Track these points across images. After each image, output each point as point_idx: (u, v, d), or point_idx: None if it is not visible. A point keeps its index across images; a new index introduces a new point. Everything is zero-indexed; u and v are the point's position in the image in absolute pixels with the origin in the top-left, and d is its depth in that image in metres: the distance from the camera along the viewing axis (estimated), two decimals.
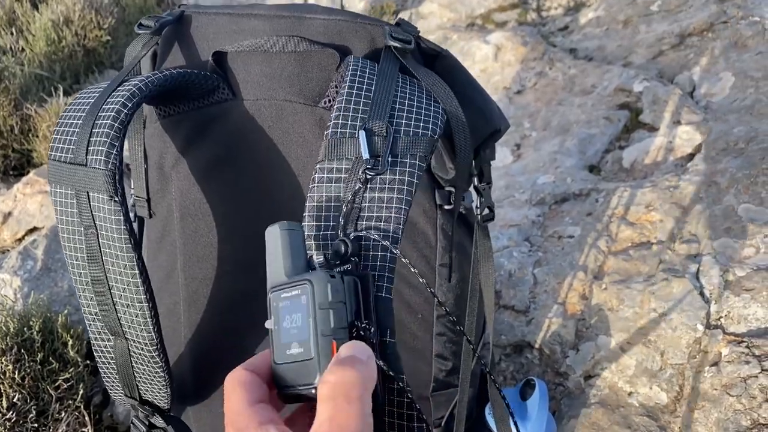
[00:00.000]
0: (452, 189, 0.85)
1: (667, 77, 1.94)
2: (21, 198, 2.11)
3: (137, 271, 0.69)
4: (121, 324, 0.72)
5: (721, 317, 1.23)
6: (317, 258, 0.55)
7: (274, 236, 0.54)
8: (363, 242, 0.60)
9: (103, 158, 0.68)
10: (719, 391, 1.14)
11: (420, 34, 0.79)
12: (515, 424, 0.65)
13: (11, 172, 2.34)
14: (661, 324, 1.27)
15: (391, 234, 0.61)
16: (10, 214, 2.10)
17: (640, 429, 1.17)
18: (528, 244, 1.56)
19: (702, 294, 1.28)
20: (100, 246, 0.70)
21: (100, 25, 2.77)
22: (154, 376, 0.75)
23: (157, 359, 0.73)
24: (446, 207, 0.86)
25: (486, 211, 0.91)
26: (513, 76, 2.21)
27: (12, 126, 2.26)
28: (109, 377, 0.80)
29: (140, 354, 0.74)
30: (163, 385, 0.76)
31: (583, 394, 1.26)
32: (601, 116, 1.86)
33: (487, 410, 1.10)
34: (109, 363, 0.78)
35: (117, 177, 0.68)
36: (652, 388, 1.21)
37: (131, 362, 0.75)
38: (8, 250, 2.02)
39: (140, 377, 0.77)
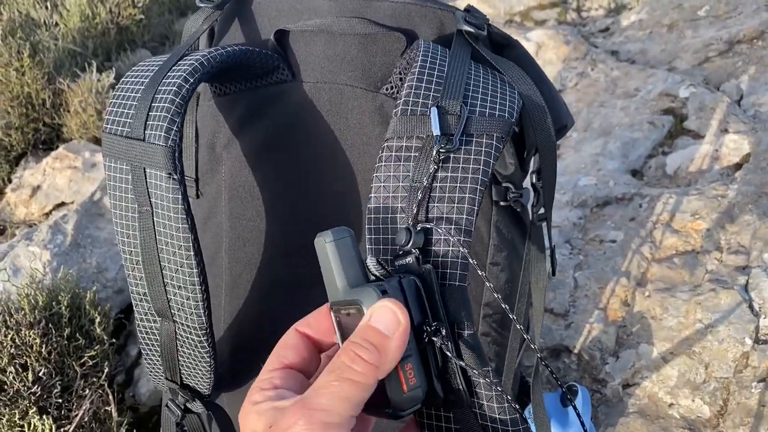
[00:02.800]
0: (509, 185, 0.82)
1: (714, 84, 1.89)
2: (50, 172, 2.10)
3: (192, 253, 0.66)
4: (170, 306, 0.70)
5: None
6: (371, 263, 0.52)
7: (322, 250, 0.50)
8: (432, 230, 0.57)
9: (163, 134, 0.65)
10: (767, 408, 1.11)
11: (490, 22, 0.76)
12: (580, 417, 0.62)
13: (41, 146, 2.32)
14: (706, 335, 1.23)
15: (465, 216, 0.57)
16: (38, 187, 2.09)
17: None
18: (569, 246, 1.52)
19: (751, 307, 1.24)
20: (154, 225, 0.67)
21: (135, 3, 2.75)
22: (200, 362, 0.73)
23: (205, 345, 0.71)
24: (502, 203, 0.82)
25: (542, 210, 0.88)
26: (554, 75, 2.17)
27: (44, 100, 2.24)
28: (151, 359, 0.78)
29: (188, 338, 0.71)
30: (207, 371, 0.74)
31: (621, 402, 1.23)
32: (645, 120, 1.82)
33: (527, 413, 1.07)
34: (153, 345, 0.75)
35: (177, 154, 0.65)
36: (694, 400, 1.17)
37: (177, 346, 0.73)
38: (35, 224, 2.01)
39: (184, 361, 0.74)
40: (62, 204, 2.04)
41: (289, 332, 0.50)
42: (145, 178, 0.67)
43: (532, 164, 0.87)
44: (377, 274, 0.51)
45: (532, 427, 1.02)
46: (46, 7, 2.76)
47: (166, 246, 0.67)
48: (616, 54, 2.22)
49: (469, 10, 0.77)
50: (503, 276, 0.88)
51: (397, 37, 0.75)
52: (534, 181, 0.88)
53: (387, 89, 0.76)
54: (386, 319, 0.45)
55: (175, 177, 0.65)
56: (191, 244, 0.66)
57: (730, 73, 1.90)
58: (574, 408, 0.52)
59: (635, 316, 1.32)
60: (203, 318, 0.69)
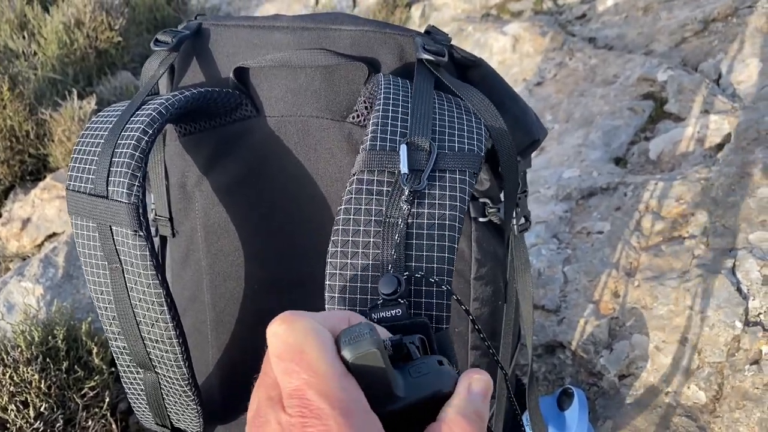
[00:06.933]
0: (487, 200, 0.82)
1: (691, 65, 1.89)
2: (39, 203, 2.10)
3: (165, 308, 0.66)
4: (150, 359, 0.70)
5: (760, 314, 1.20)
6: (387, 344, 0.44)
7: (368, 360, 0.41)
8: (414, 279, 0.55)
9: (125, 190, 0.65)
10: (761, 390, 1.11)
11: (452, 43, 0.75)
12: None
13: (28, 178, 2.32)
14: (697, 322, 1.23)
15: (446, 255, 0.56)
16: (28, 220, 2.09)
17: (678, 429, 1.14)
18: (556, 240, 1.53)
19: (739, 290, 1.25)
20: (125, 281, 0.67)
21: (111, 26, 2.75)
22: (186, 408, 0.73)
23: (189, 393, 0.71)
24: (480, 219, 0.83)
25: (522, 220, 0.88)
26: (532, 67, 2.17)
27: (27, 131, 2.24)
28: (139, 407, 0.78)
29: (171, 387, 0.72)
30: (195, 416, 0.74)
31: (618, 394, 1.24)
32: (625, 107, 1.82)
33: (525, 420, 1.08)
34: (138, 394, 0.76)
35: (141, 210, 0.65)
36: (689, 387, 1.18)
37: (162, 394, 0.73)
38: (28, 257, 2.01)
39: (171, 408, 0.75)
40: (53, 235, 2.04)
41: (324, 333, 0.42)
42: (112, 236, 0.66)
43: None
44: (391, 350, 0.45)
45: None
46: (24, 37, 2.76)
47: (139, 302, 0.67)
48: (594, 41, 2.22)
49: (429, 32, 0.77)
50: (489, 289, 0.88)
51: (358, 66, 0.75)
52: None
53: (353, 117, 0.76)
54: (485, 389, 0.45)
55: (141, 234, 0.64)
56: (163, 300, 0.66)
57: (707, 53, 1.90)
58: None
59: (626, 307, 1.33)
60: (184, 369, 0.69)
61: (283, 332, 0.41)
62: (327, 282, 0.57)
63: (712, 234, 1.36)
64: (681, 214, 1.43)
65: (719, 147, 1.58)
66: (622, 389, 1.24)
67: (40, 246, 2.04)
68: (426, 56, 0.70)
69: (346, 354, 0.41)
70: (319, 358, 0.40)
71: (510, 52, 2.24)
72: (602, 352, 1.30)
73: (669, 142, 1.67)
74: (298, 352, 0.40)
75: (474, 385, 0.44)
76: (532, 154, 1.83)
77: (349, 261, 0.56)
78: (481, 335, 0.54)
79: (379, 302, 0.53)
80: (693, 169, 1.53)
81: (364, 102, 0.75)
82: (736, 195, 1.40)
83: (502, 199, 0.86)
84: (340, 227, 0.58)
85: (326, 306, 0.56)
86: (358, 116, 0.76)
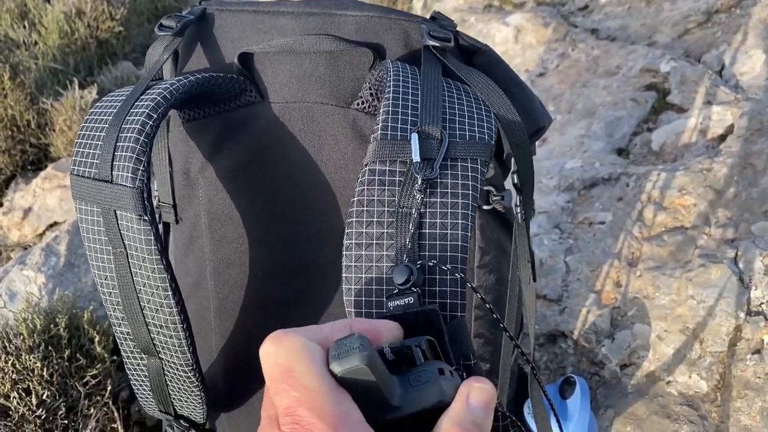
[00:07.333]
0: (491, 188, 0.82)
1: (695, 56, 1.89)
2: (40, 193, 2.10)
3: (170, 293, 0.66)
4: (154, 344, 0.70)
5: (762, 303, 1.20)
6: (387, 351, 0.44)
7: (358, 374, 0.41)
8: (428, 268, 0.55)
9: (129, 174, 0.64)
10: (763, 379, 1.12)
11: (457, 28, 0.75)
12: (557, 420, 0.62)
13: (29, 167, 2.32)
14: (699, 311, 1.24)
15: (460, 243, 0.56)
16: (30, 209, 2.09)
17: (680, 418, 1.14)
18: (558, 231, 1.53)
19: (741, 280, 1.25)
20: (130, 266, 0.67)
21: (112, 16, 2.74)
22: (190, 395, 0.73)
23: (193, 379, 0.71)
24: (485, 207, 0.82)
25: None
26: (535, 58, 2.16)
27: (29, 120, 2.24)
28: (142, 393, 0.78)
29: (175, 374, 0.72)
30: (198, 403, 0.74)
31: (620, 383, 1.24)
32: (628, 98, 1.82)
33: (526, 409, 1.08)
34: (142, 380, 0.76)
35: (145, 194, 0.65)
36: (691, 376, 1.18)
37: (166, 381, 0.73)
38: (29, 246, 2.01)
39: (175, 395, 0.75)
40: (55, 224, 2.04)
41: (313, 349, 0.42)
42: (117, 220, 0.66)
43: (513, 164, 0.87)
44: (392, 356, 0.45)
45: (531, 424, 1.03)
46: (24, 27, 2.75)
47: (144, 287, 0.67)
48: (596, 32, 2.22)
49: (435, 17, 0.76)
50: (492, 277, 0.88)
51: (363, 52, 0.75)
52: (516, 181, 0.88)
53: (358, 104, 0.76)
54: (486, 399, 0.44)
55: (146, 218, 0.64)
56: (168, 285, 0.65)
57: (710, 44, 1.89)
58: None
59: (628, 297, 1.33)
60: (188, 355, 0.69)
61: (273, 352, 0.41)
62: (344, 275, 0.57)
63: (714, 224, 1.36)
64: (683, 205, 1.43)
65: (722, 138, 1.58)
66: (624, 378, 1.24)
67: (41, 235, 2.04)
68: (432, 42, 0.70)
69: (334, 368, 0.41)
70: (308, 374, 0.40)
71: (512, 42, 2.24)
72: (604, 341, 1.30)
73: (671, 133, 1.67)
74: (287, 371, 0.40)
75: (473, 395, 0.44)
76: (535, 145, 1.83)
77: (364, 253, 0.57)
78: (493, 313, 0.54)
79: (394, 291, 0.53)
80: (695, 159, 1.53)
81: (370, 88, 0.75)
82: (738, 185, 1.40)
83: (506, 187, 0.86)
84: (354, 219, 0.58)
85: (344, 298, 0.57)
86: (363, 102, 0.76)
